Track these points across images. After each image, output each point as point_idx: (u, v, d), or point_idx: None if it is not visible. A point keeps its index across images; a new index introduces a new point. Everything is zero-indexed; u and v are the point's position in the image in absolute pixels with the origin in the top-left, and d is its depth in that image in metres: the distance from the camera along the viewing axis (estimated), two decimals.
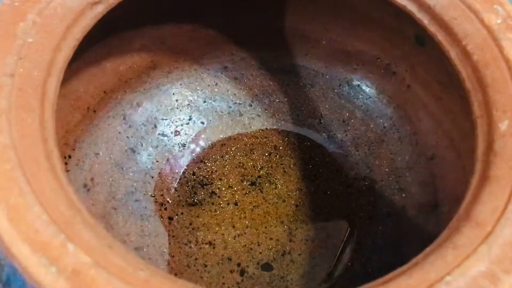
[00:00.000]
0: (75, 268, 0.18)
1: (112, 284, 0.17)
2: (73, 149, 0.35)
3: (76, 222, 0.19)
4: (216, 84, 0.41)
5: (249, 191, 0.39)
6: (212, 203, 0.38)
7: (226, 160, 0.40)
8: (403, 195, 0.37)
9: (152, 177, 0.38)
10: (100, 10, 0.27)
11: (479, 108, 0.26)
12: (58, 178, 0.21)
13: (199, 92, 0.41)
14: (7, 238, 0.18)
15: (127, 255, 0.19)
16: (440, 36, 0.28)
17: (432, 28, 0.29)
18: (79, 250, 0.18)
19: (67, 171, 0.34)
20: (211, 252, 0.36)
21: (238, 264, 0.36)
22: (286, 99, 0.42)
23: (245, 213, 0.38)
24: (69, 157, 0.34)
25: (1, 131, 0.20)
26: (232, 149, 0.40)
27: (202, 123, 0.41)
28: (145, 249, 0.35)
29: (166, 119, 0.40)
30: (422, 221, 0.35)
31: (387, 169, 0.38)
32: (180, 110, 0.40)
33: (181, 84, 0.40)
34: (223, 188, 0.39)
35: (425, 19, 0.29)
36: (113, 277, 0.18)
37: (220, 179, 0.39)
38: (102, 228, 0.20)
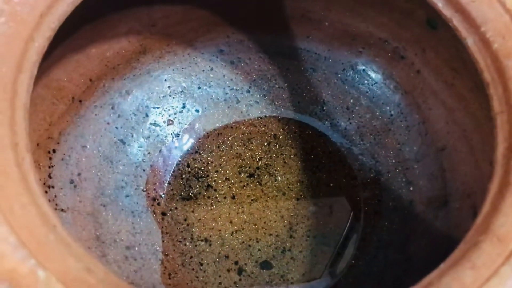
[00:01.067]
0: None
1: None
2: (58, 143, 0.32)
3: (49, 243, 0.17)
4: (211, 69, 0.39)
5: (247, 184, 0.37)
6: (208, 197, 0.36)
7: (222, 150, 0.37)
8: (411, 188, 0.35)
9: (144, 170, 0.36)
10: None
11: (499, 103, 0.23)
12: (30, 190, 0.19)
13: (193, 77, 0.38)
14: None
15: (108, 278, 0.17)
16: (456, 21, 0.26)
17: (447, 12, 0.26)
18: (51, 277, 0.16)
19: (52, 166, 0.32)
20: (207, 250, 0.34)
21: (236, 262, 0.34)
22: (286, 84, 0.39)
23: (243, 207, 0.36)
24: (54, 151, 0.32)
25: None
26: (229, 138, 0.38)
27: (197, 111, 0.38)
28: (136, 248, 0.33)
29: (158, 108, 0.37)
30: (430, 217, 0.33)
31: (394, 161, 0.36)
32: (173, 97, 0.38)
33: (173, 70, 0.38)
34: (220, 181, 0.37)
35: (439, 2, 0.26)
36: None
37: (217, 171, 0.37)
38: (80, 247, 0.18)
